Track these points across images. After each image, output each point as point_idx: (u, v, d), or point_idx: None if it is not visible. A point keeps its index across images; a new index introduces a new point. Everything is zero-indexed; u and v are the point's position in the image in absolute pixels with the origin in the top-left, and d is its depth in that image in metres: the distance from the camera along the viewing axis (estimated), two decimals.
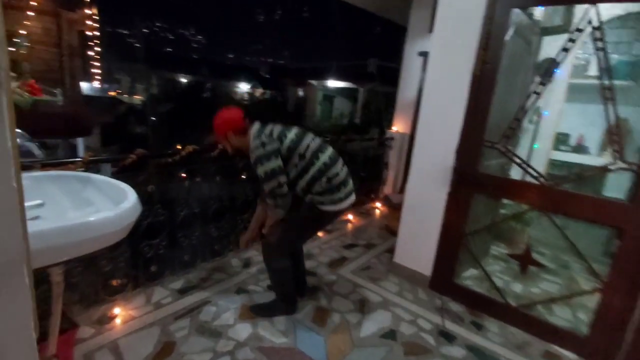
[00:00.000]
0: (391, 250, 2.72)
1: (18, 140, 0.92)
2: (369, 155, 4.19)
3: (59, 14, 7.16)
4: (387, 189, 4.45)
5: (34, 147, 0.92)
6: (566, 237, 1.95)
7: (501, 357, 1.81)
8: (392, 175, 4.40)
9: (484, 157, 2.16)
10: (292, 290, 1.95)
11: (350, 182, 1.83)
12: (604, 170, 1.87)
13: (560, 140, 3.42)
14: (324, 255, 2.74)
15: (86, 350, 1.54)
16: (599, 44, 1.76)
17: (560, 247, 2.87)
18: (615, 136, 1.79)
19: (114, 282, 1.91)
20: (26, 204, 0.91)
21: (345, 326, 1.92)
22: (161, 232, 2.11)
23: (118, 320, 1.75)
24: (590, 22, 1.75)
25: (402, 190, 4.24)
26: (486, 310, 2.17)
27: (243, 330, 1.80)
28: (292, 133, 1.72)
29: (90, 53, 8.79)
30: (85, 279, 1.76)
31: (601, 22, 1.73)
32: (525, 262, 2.14)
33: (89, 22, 7.78)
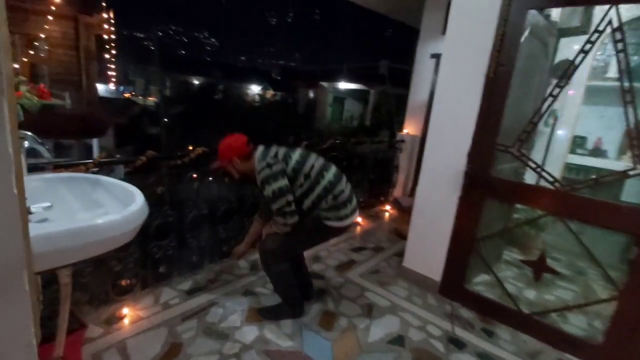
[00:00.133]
0: (400, 254, 2.68)
1: (27, 143, 0.93)
2: (379, 158, 4.16)
3: (77, 18, 7.35)
4: (397, 192, 4.40)
5: (44, 150, 0.93)
6: (582, 244, 1.89)
7: None
8: (402, 178, 4.35)
9: (497, 160, 2.11)
10: (295, 293, 1.94)
11: (355, 198, 1.88)
12: (622, 175, 1.80)
13: (577, 143, 3.33)
14: (332, 258, 2.72)
15: (94, 350, 1.56)
16: (619, 46, 1.69)
17: (576, 253, 2.79)
18: (635, 140, 1.72)
19: (123, 282, 1.93)
20: (34, 206, 0.92)
21: (352, 331, 1.90)
22: (170, 233, 2.13)
23: (126, 321, 1.77)
24: (610, 23, 1.70)
25: (412, 193, 4.19)
26: (498, 317, 2.12)
27: (249, 333, 1.79)
28: (296, 154, 1.78)
29: (107, 56, 8.99)
30: (95, 279, 1.79)
31: (622, 23, 1.67)
32: (539, 269, 2.08)
33: (105, 26, 7.96)
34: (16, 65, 6.61)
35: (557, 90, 1.88)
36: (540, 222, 2.58)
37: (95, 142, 8.10)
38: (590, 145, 3.32)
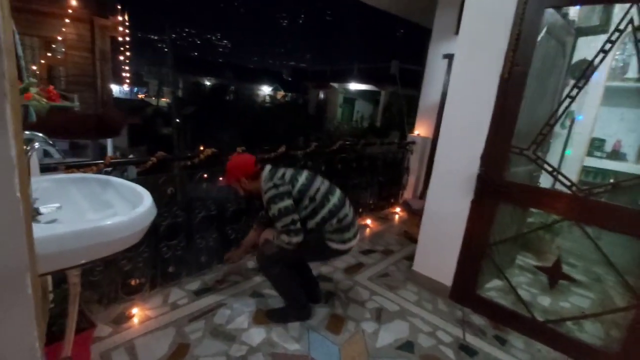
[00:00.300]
0: (410, 258, 2.64)
1: (37, 144, 0.94)
2: (389, 160, 4.12)
3: (93, 20, 7.51)
4: (407, 194, 4.35)
5: (54, 151, 0.94)
6: (600, 250, 1.82)
7: None
8: (412, 180, 4.30)
9: (511, 163, 2.06)
10: (298, 294, 1.93)
11: (357, 222, 1.92)
12: None
13: (595, 146, 3.23)
14: (341, 261, 2.69)
15: (103, 349, 1.57)
16: None
17: (593, 259, 2.70)
18: None
19: (133, 282, 1.95)
20: (44, 207, 0.93)
21: (360, 335, 1.87)
22: (179, 234, 2.14)
23: (135, 320, 1.78)
24: (631, 22, 1.63)
25: (422, 195, 4.13)
26: (510, 324, 2.06)
27: (257, 335, 1.78)
28: (303, 177, 1.83)
29: (121, 58, 9.18)
30: (105, 277, 1.81)
31: None
32: (554, 276, 2.02)
33: (120, 28, 8.11)
34: (34, 67, 6.79)
35: (575, 91, 1.82)
36: (555, 226, 2.51)
37: (109, 142, 8.29)
38: (608, 147, 3.22)
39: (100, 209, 1.17)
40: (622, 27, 1.66)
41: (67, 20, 7.04)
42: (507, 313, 2.08)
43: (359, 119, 15.81)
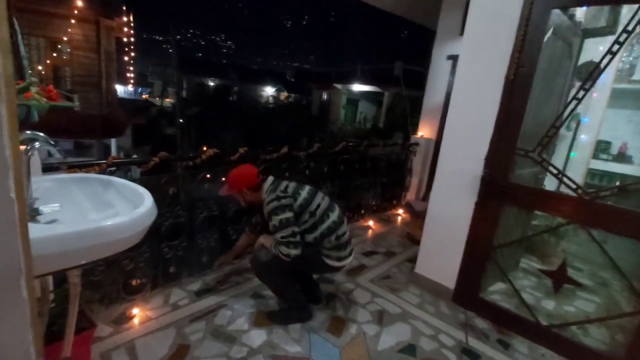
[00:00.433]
0: (412, 260, 2.62)
1: (38, 143, 0.94)
2: (392, 161, 4.10)
3: (99, 21, 7.55)
4: (410, 196, 4.32)
5: (55, 151, 0.93)
6: (605, 253, 1.79)
7: None
8: (415, 182, 4.28)
9: (516, 166, 2.03)
10: (296, 296, 1.92)
11: (352, 240, 1.97)
12: None
13: (601, 148, 3.19)
14: None
15: (103, 349, 1.57)
16: None
17: (598, 263, 2.67)
18: None
19: (134, 282, 1.94)
20: (44, 206, 0.93)
21: (361, 338, 1.86)
22: (181, 234, 2.13)
23: (136, 320, 1.78)
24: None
25: (425, 197, 4.10)
26: (514, 328, 2.03)
27: (257, 337, 1.77)
28: (304, 192, 1.85)
29: (126, 58, 9.22)
30: (106, 277, 1.81)
31: None
32: (559, 280, 1.99)
33: (125, 29, 8.16)
34: (40, 67, 6.85)
35: (581, 93, 1.80)
36: (560, 230, 2.48)
37: (113, 142, 8.33)
38: (614, 150, 3.18)
39: (101, 209, 1.16)
40: (630, 28, 1.64)
41: (73, 21, 7.09)
42: (510, 317, 2.06)
43: (362, 120, 15.78)
